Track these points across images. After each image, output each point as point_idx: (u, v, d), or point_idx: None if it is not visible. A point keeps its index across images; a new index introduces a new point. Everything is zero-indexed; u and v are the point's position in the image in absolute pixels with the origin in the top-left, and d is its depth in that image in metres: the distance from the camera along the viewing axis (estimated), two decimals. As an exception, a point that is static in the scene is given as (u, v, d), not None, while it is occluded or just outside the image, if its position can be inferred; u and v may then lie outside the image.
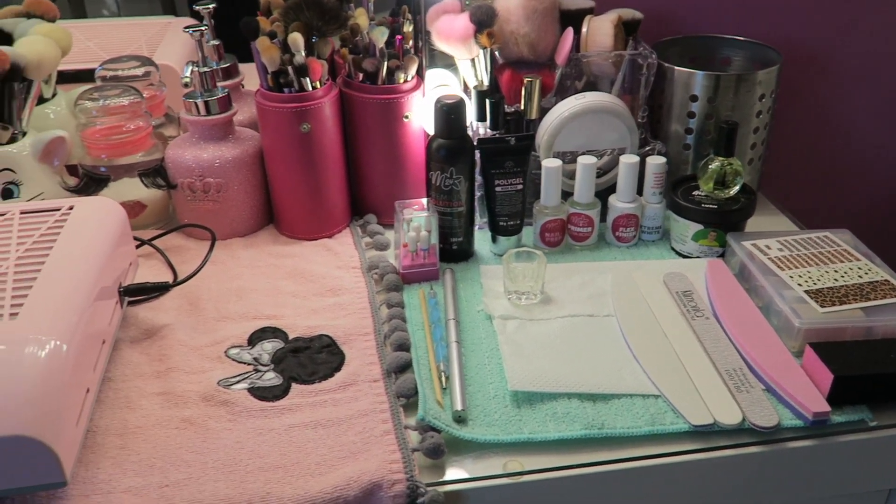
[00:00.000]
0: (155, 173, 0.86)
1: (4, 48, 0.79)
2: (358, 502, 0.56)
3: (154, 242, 0.85)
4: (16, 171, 0.82)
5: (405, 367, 0.67)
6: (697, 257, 0.83)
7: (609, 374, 0.67)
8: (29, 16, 0.91)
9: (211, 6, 0.90)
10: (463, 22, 0.82)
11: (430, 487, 0.57)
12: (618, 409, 0.64)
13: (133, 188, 0.87)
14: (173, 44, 1.12)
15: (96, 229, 0.70)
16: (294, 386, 0.66)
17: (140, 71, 0.94)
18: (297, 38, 0.78)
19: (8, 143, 0.82)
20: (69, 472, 0.53)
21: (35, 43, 0.83)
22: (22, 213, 0.71)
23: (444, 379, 0.66)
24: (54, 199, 0.84)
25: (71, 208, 0.72)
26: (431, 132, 0.90)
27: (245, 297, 0.78)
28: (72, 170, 0.89)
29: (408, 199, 0.88)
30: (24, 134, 0.84)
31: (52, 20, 0.93)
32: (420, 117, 0.87)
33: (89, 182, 0.86)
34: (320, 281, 0.80)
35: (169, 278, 0.81)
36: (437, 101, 0.78)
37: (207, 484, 0.57)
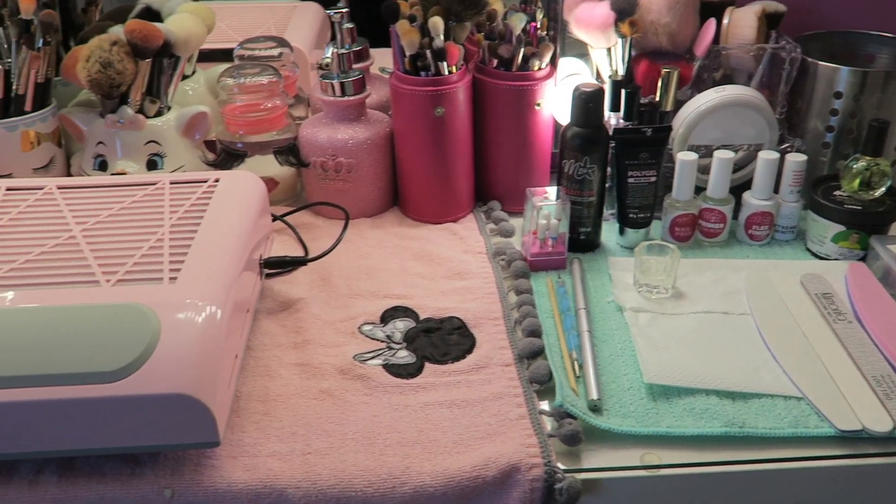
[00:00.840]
0: (288, 151, 0.89)
1: (157, 24, 0.82)
2: (496, 483, 0.56)
3: (286, 219, 0.88)
4: (161, 144, 0.85)
5: (537, 353, 0.67)
6: (836, 259, 0.80)
7: (747, 372, 0.65)
8: (175, -5, 0.95)
9: None
10: (603, 10, 0.81)
11: (567, 474, 0.57)
12: (758, 408, 0.62)
13: (267, 165, 0.89)
14: (301, 27, 1.15)
15: (242, 201, 0.72)
16: (427, 365, 0.67)
17: (276, 52, 0.96)
18: (437, 23, 0.79)
19: (154, 116, 0.85)
20: (221, 433, 0.55)
21: (183, 20, 0.86)
22: (171, 183, 0.74)
23: (576, 367, 0.66)
24: (194, 171, 0.87)
25: (217, 181, 0.74)
26: (562, 120, 0.90)
27: (374, 275, 0.79)
28: (208, 145, 0.92)
29: (532, 187, 0.88)
30: (169, 108, 0.87)
31: (194, -1, 0.96)
32: (551, 105, 0.87)
33: (227, 157, 0.89)
34: (447, 264, 0.80)
35: (299, 254, 0.83)
36: (576, 89, 0.77)
37: (348, 454, 0.58)
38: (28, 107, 0.83)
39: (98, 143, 0.85)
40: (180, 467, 0.57)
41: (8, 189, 0.73)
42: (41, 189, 0.73)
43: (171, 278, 0.60)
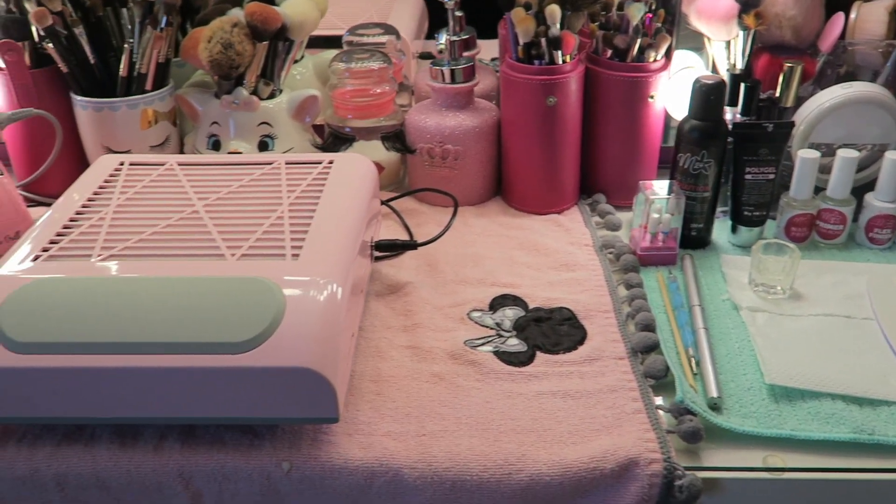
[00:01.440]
0: (395, 137, 0.89)
1: (276, 8, 0.84)
2: (613, 476, 0.55)
3: (391, 203, 0.88)
4: (272, 126, 0.86)
5: (652, 348, 0.66)
6: (964, 267, 0.76)
7: (874, 379, 0.63)
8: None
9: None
10: (727, 1, 0.79)
11: (687, 471, 0.56)
12: (888, 416, 0.59)
13: (373, 150, 0.90)
14: (402, 16, 1.15)
15: (356, 183, 0.72)
16: (539, 354, 0.66)
17: (384, 38, 0.97)
18: (554, 11, 0.78)
19: (267, 98, 0.87)
20: (341, 410, 0.56)
21: (300, 5, 0.87)
22: (287, 163, 0.75)
23: (693, 364, 0.64)
24: (303, 154, 0.88)
25: (331, 162, 0.75)
26: (674, 114, 0.88)
27: (481, 263, 0.79)
28: (316, 129, 0.93)
29: (639, 180, 0.87)
30: (281, 91, 0.89)
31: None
32: (664, 98, 0.85)
33: (335, 140, 0.89)
34: (554, 255, 0.80)
35: (403, 238, 0.83)
36: (696, 81, 0.75)
37: (463, 438, 0.58)
38: (149, 86, 0.86)
39: (212, 124, 0.87)
40: (297, 441, 0.58)
41: (131, 164, 0.75)
42: (163, 165, 0.75)
43: (293, 255, 0.60)
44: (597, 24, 0.85)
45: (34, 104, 0.85)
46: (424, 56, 1.13)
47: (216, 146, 0.87)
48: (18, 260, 0.61)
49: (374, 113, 0.90)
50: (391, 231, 0.85)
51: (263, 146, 0.86)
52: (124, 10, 0.87)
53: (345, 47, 0.97)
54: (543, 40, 0.80)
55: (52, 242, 0.63)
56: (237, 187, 0.71)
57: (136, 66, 0.84)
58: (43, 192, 0.90)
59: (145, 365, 0.54)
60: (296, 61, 1.00)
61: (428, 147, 0.87)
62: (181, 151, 0.93)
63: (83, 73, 0.85)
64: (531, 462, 0.56)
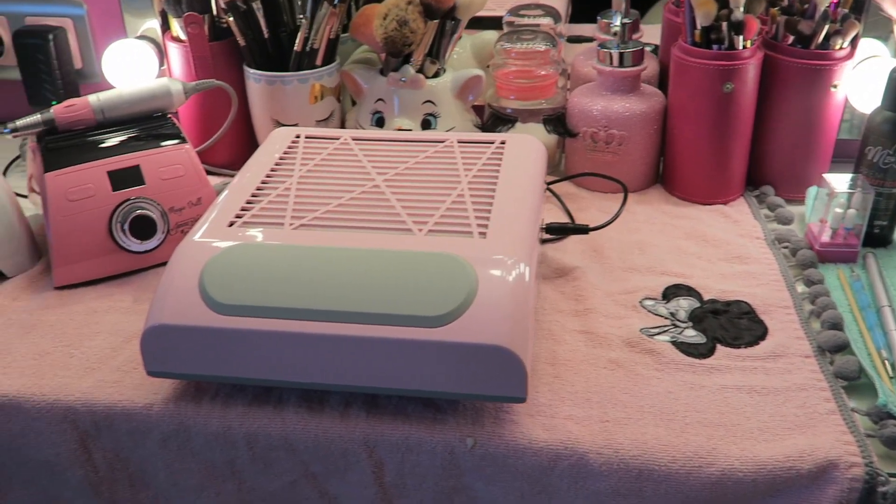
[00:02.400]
0: (557, 120, 0.88)
1: (449, -14, 0.84)
2: (810, 477, 0.53)
3: (551, 187, 0.88)
4: (436, 104, 0.87)
5: (841, 347, 0.63)
6: None
7: None
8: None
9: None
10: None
11: (892, 478, 0.53)
12: None
13: (534, 132, 0.89)
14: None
15: (530, 164, 0.72)
16: (719, 347, 0.65)
17: (545, 21, 0.96)
18: (739, -7, 0.76)
19: (432, 77, 0.87)
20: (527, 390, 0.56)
21: (469, -16, 0.87)
22: (460, 142, 0.75)
23: (888, 367, 0.61)
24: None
25: (503, 143, 0.75)
26: (857, 105, 0.84)
27: (647, 251, 0.77)
28: (475, 109, 0.93)
29: (811, 173, 0.83)
30: (444, 71, 0.89)
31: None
32: (846, 88, 0.81)
33: (496, 121, 0.89)
34: (724, 247, 0.77)
35: (574, 223, 0.82)
36: (894, 71, 0.71)
37: (647, 427, 0.57)
38: (318, 61, 0.87)
39: (377, 100, 0.88)
40: (480, 418, 0.58)
41: (307, 137, 0.77)
42: (338, 139, 0.76)
43: (480, 233, 0.60)
44: (777, 8, 0.82)
45: (210, 76, 0.88)
46: (573, 39, 1.11)
47: (380, 123, 0.88)
48: (214, 226, 0.63)
49: (537, 95, 0.89)
50: (551, 215, 0.84)
51: (426, 124, 0.87)
52: (296, -13, 0.90)
53: (504, 28, 0.96)
54: (724, 24, 0.77)
55: (244, 210, 0.65)
56: (413, 164, 0.71)
57: (309, 42, 0.86)
58: (210, 161, 0.93)
59: (340, 333, 0.55)
60: (455, 41, 1.01)
61: (592, 131, 0.85)
62: (342, 126, 0.94)
63: (257, 47, 0.87)
64: (722, 457, 0.54)
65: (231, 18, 0.84)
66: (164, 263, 0.77)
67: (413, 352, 0.55)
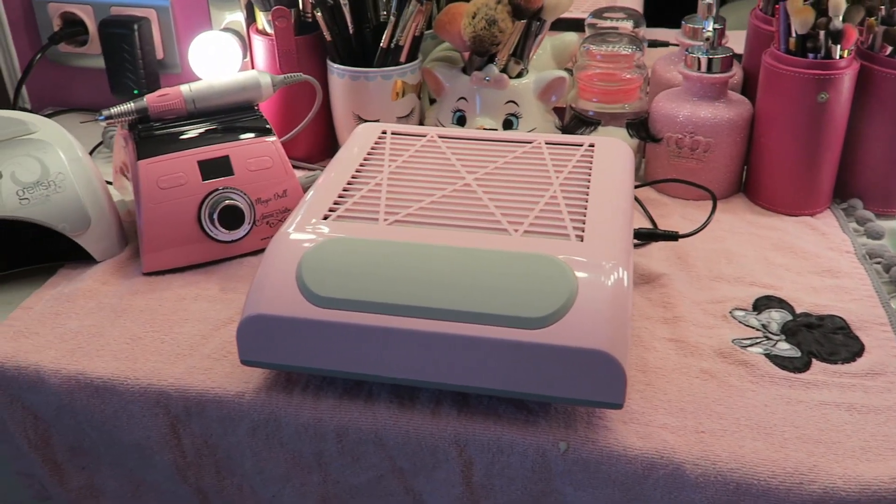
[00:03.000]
0: (640, 125, 0.87)
1: (539, -13, 0.84)
2: (917, 500, 0.52)
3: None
4: (518, 105, 0.86)
5: (943, 368, 0.61)
6: None
7: None
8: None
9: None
10: None
11: None
12: None
13: (614, 136, 0.88)
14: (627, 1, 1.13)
15: (620, 168, 0.71)
16: (815, 362, 0.63)
17: (627, 24, 0.95)
18: (839, 2, 0.74)
19: (515, 77, 0.87)
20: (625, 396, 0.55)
21: (557, -15, 0.86)
22: (547, 143, 0.75)
23: None
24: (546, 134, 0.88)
25: (592, 145, 0.74)
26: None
27: (734, 261, 0.76)
28: (556, 111, 0.92)
29: (902, 188, 0.81)
30: (527, 71, 0.88)
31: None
32: (945, 102, 0.79)
33: (578, 123, 0.89)
34: (813, 259, 0.76)
35: (664, 230, 0.81)
36: None
37: (745, 441, 0.56)
38: (402, 58, 0.88)
39: (459, 99, 0.88)
40: (573, 422, 0.58)
41: (394, 133, 0.77)
42: (424, 136, 0.76)
43: (577, 236, 0.60)
44: (875, 18, 0.80)
45: (294, 69, 0.88)
46: (650, 44, 1.10)
47: (461, 121, 0.88)
48: (308, 219, 0.63)
49: (620, 99, 0.88)
50: (635, 220, 0.83)
51: (508, 124, 0.87)
52: (381, -17, 0.90)
53: (587, 30, 0.96)
54: (822, 33, 0.76)
55: (336, 204, 0.65)
56: (503, 163, 0.71)
57: (395, 39, 0.86)
58: (289, 153, 0.92)
59: (437, 330, 0.55)
60: (535, 42, 1.00)
61: (676, 137, 0.84)
62: (422, 123, 0.94)
63: (342, 43, 0.88)
64: (824, 474, 0.53)
65: (319, 14, 0.85)
66: (250, 254, 0.78)
67: (511, 352, 0.55)
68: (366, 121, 0.89)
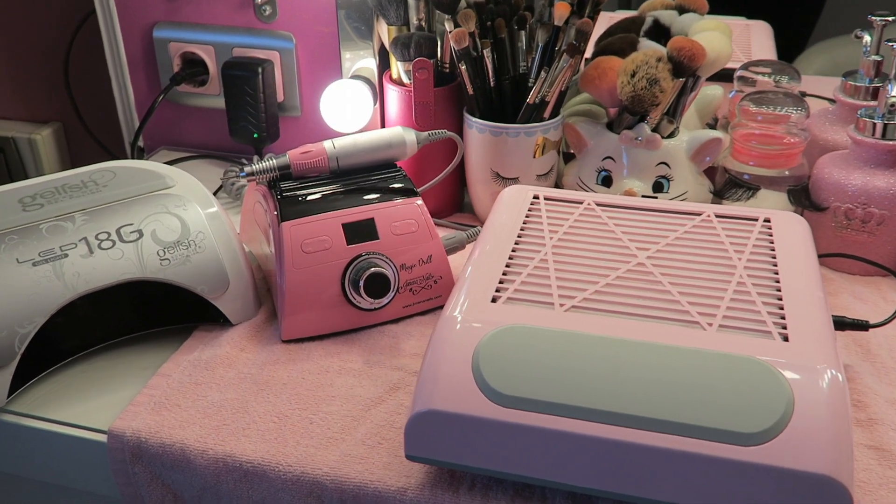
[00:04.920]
0: (803, 192, 0.81)
1: (701, 42, 0.78)
2: None
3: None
4: (670, 166, 0.81)
5: None
6: None
7: None
8: (681, 9, 0.90)
9: (890, 18, 0.82)
10: None
11: None
12: None
13: (774, 202, 0.82)
14: (763, 48, 1.07)
15: (803, 248, 0.65)
16: None
17: (782, 79, 0.89)
18: None
19: (667, 136, 0.82)
20: (846, 524, 0.49)
21: (716, 40, 0.80)
22: (718, 216, 0.69)
23: None
24: (696, 200, 0.82)
25: (768, 220, 0.68)
26: None
27: (922, 351, 0.69)
28: (706, 171, 0.87)
29: None
30: (678, 130, 0.83)
31: (702, 15, 0.91)
32: None
33: (734, 188, 0.83)
34: None
35: (852, 318, 0.74)
36: None
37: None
38: (546, 114, 0.83)
39: (605, 158, 0.83)
40: (777, 546, 0.52)
41: (547, 198, 0.72)
42: (581, 203, 0.71)
43: (780, 334, 0.54)
44: None
45: (430, 122, 0.85)
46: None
47: (606, 182, 0.83)
48: (476, 301, 0.58)
49: (780, 163, 0.82)
50: (793, 295, 0.77)
51: (658, 187, 0.81)
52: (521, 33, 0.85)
53: (736, 83, 0.90)
54: None
55: (503, 283, 0.60)
56: (673, 239, 0.66)
57: (541, 94, 0.82)
58: (417, 208, 0.89)
59: (632, 440, 0.50)
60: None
61: (846, 207, 0.78)
62: (559, 181, 0.89)
63: (482, 96, 0.84)
64: None
65: (463, 66, 0.81)
66: (390, 321, 0.74)
67: (716, 470, 0.49)
68: (504, 178, 0.84)
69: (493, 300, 0.59)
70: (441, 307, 0.76)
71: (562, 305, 0.58)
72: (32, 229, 0.67)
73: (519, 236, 0.67)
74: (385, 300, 0.71)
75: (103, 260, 0.66)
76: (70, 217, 0.68)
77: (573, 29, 0.81)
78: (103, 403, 0.65)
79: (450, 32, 0.80)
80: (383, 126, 0.91)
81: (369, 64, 0.92)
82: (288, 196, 0.72)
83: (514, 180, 0.85)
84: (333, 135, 0.92)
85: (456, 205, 0.93)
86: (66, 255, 0.65)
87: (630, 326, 0.55)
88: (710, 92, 0.92)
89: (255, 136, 1.00)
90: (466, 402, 0.53)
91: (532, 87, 0.83)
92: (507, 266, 0.62)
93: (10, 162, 1.25)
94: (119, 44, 1.06)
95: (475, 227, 0.83)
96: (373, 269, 0.69)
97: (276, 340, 0.71)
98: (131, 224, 0.69)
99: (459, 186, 0.92)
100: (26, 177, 1.25)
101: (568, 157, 0.90)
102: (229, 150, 1.09)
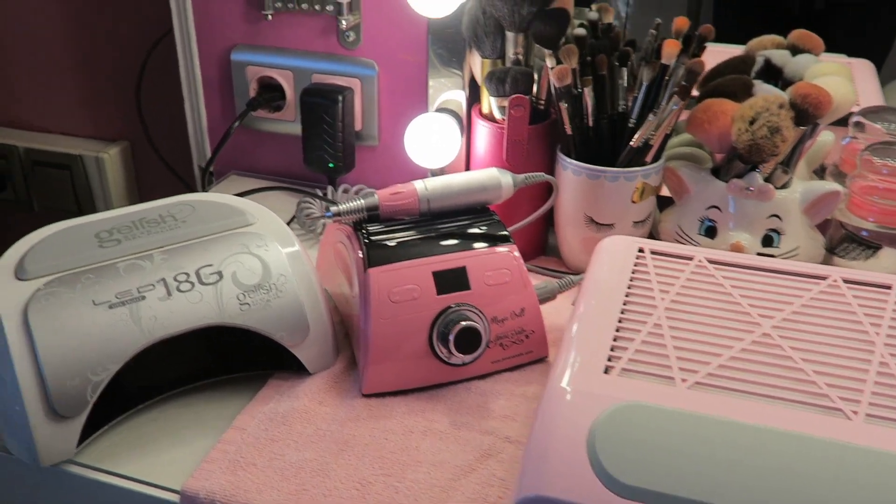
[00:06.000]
0: (930, 252, 0.74)
1: (827, 88, 0.72)
2: None
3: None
4: (781, 219, 0.75)
5: None
6: None
7: None
8: (794, 49, 0.84)
9: None
10: None
11: None
12: None
13: (891, 262, 0.75)
14: (869, 93, 1.00)
15: (948, 325, 0.59)
16: None
17: (900, 127, 0.82)
18: None
19: (780, 187, 0.75)
20: None
21: (840, 85, 0.74)
22: (846, 281, 0.63)
23: None
24: (808, 256, 0.76)
25: (903, 288, 0.62)
26: None
27: None
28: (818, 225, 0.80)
29: None
30: (791, 181, 0.77)
31: (817, 56, 0.85)
32: None
33: (851, 245, 0.76)
34: None
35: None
36: None
37: None
38: (649, 158, 0.77)
39: (710, 207, 0.77)
40: None
41: (653, 252, 0.67)
42: (691, 259, 0.65)
43: (937, 429, 0.48)
44: None
45: (521, 160, 0.80)
46: None
47: (710, 233, 0.77)
48: (586, 371, 0.53)
49: (904, 219, 0.75)
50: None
51: (768, 241, 0.75)
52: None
53: (852, 130, 0.83)
54: None
55: (614, 351, 0.55)
56: (799, 306, 0.59)
57: (644, 137, 0.76)
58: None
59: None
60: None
61: (980, 273, 0.71)
62: (654, 230, 0.84)
63: (580, 136, 0.78)
64: None
65: (563, 105, 0.76)
66: (476, 377, 0.69)
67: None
68: (598, 223, 0.79)
69: (606, 370, 0.53)
70: (531, 363, 0.71)
71: (683, 381, 0.52)
72: (109, 268, 0.63)
73: (627, 295, 0.61)
74: (474, 356, 0.66)
75: (181, 303, 0.62)
76: (148, 255, 0.65)
77: (682, 68, 0.75)
78: (175, 457, 0.61)
79: (551, 69, 0.75)
80: (468, 163, 0.86)
81: (457, 96, 0.88)
82: (376, 240, 0.67)
83: (609, 227, 0.79)
84: (412, 167, 0.88)
85: (540, 248, 0.88)
86: (144, 298, 0.62)
87: (762, 410, 0.49)
88: (821, 138, 0.86)
89: (331, 165, 0.96)
90: (581, 489, 0.47)
91: (633, 128, 0.77)
92: (617, 331, 0.57)
93: (76, 179, 1.23)
94: (195, 65, 1.03)
95: (566, 274, 0.78)
96: (464, 322, 0.64)
97: (355, 394, 0.67)
98: (211, 265, 0.65)
99: (545, 228, 0.87)
100: (91, 195, 1.24)
101: (661, 203, 0.85)
102: (301, 178, 1.05)
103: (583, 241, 0.81)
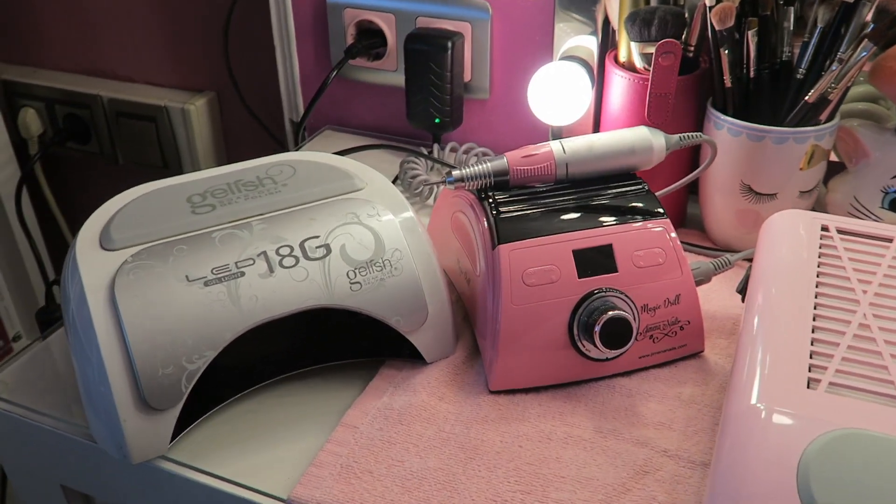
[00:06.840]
0: None
1: None
2: None
3: None
4: None
5: None
6: None
7: None
8: None
9: None
10: None
11: None
12: None
13: None
14: None
15: None
16: None
17: None
18: None
19: None
20: None
21: None
22: None
23: None
24: None
25: None
26: None
27: None
28: None
29: None
30: None
31: None
32: None
33: None
34: None
35: None
36: None
37: None
38: (823, 116, 0.65)
39: (894, 177, 0.65)
40: None
41: (841, 232, 0.55)
42: (891, 241, 0.54)
43: None
44: None
45: (664, 117, 0.68)
46: None
47: (895, 206, 0.65)
48: (782, 382, 0.43)
49: None
50: None
51: (970, 218, 0.63)
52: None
53: None
54: None
55: (815, 357, 0.44)
56: None
57: (819, 90, 0.64)
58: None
59: None
60: None
61: None
62: (820, 202, 0.72)
63: (739, 89, 0.67)
64: None
65: (724, 51, 0.64)
66: (619, 374, 0.59)
67: None
68: (757, 192, 0.67)
69: (809, 384, 0.43)
70: (683, 358, 0.61)
71: (915, 404, 0.41)
72: (204, 238, 0.55)
73: (817, 286, 0.50)
74: (621, 350, 0.56)
75: (285, 281, 0.54)
76: (246, 224, 0.56)
77: (868, 6, 0.63)
78: (278, 457, 0.53)
79: (710, 7, 0.63)
80: (597, 121, 0.76)
81: (587, 42, 0.77)
82: (504, 211, 0.58)
83: (770, 197, 0.67)
84: (525, 124, 0.78)
85: (678, 219, 0.77)
86: (243, 274, 0.53)
87: None
88: None
89: (437, 120, 0.86)
90: (794, 542, 0.37)
91: (801, 80, 0.65)
92: (814, 332, 0.46)
93: (161, 132, 1.17)
94: (288, 8, 0.94)
95: (715, 251, 0.67)
96: (611, 311, 0.54)
97: (480, 389, 0.58)
98: (317, 237, 0.56)
99: (685, 196, 0.76)
100: (177, 150, 1.17)
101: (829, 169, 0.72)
102: (402, 134, 0.96)
103: (737, 213, 0.69)
